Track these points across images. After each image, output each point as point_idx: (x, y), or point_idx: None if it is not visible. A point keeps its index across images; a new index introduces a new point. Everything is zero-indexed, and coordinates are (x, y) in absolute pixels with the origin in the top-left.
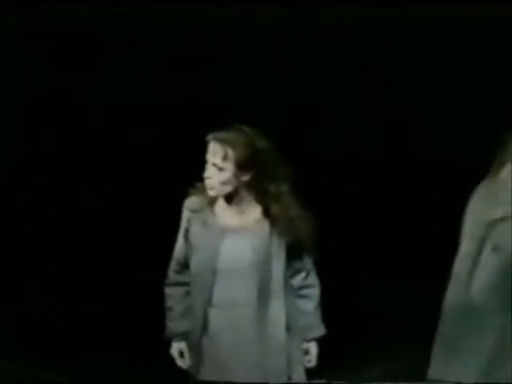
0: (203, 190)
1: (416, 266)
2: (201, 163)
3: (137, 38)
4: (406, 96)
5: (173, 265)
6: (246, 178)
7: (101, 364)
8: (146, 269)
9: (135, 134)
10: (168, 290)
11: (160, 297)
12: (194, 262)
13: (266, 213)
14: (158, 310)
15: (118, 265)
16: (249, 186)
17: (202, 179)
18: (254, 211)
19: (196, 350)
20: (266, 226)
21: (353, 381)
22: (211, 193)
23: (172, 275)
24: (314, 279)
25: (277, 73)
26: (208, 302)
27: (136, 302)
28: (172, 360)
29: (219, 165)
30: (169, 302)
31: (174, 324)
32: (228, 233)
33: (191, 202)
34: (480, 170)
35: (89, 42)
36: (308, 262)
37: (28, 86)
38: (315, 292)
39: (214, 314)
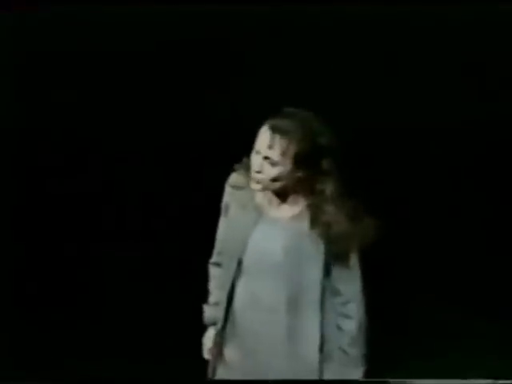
0: (249, 167)
1: None
2: None
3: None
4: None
5: (216, 244)
6: (299, 174)
7: (101, 364)
8: (146, 269)
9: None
10: (210, 271)
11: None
12: (224, 244)
13: (308, 210)
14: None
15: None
16: (298, 181)
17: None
18: (297, 205)
19: (217, 343)
20: (304, 224)
21: None
22: (257, 187)
23: (214, 255)
24: (352, 311)
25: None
26: (231, 294)
27: (136, 302)
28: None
29: (275, 159)
30: (209, 285)
31: (207, 310)
32: (262, 222)
33: (234, 179)
34: None
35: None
36: (351, 289)
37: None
38: (350, 326)
39: (237, 310)
